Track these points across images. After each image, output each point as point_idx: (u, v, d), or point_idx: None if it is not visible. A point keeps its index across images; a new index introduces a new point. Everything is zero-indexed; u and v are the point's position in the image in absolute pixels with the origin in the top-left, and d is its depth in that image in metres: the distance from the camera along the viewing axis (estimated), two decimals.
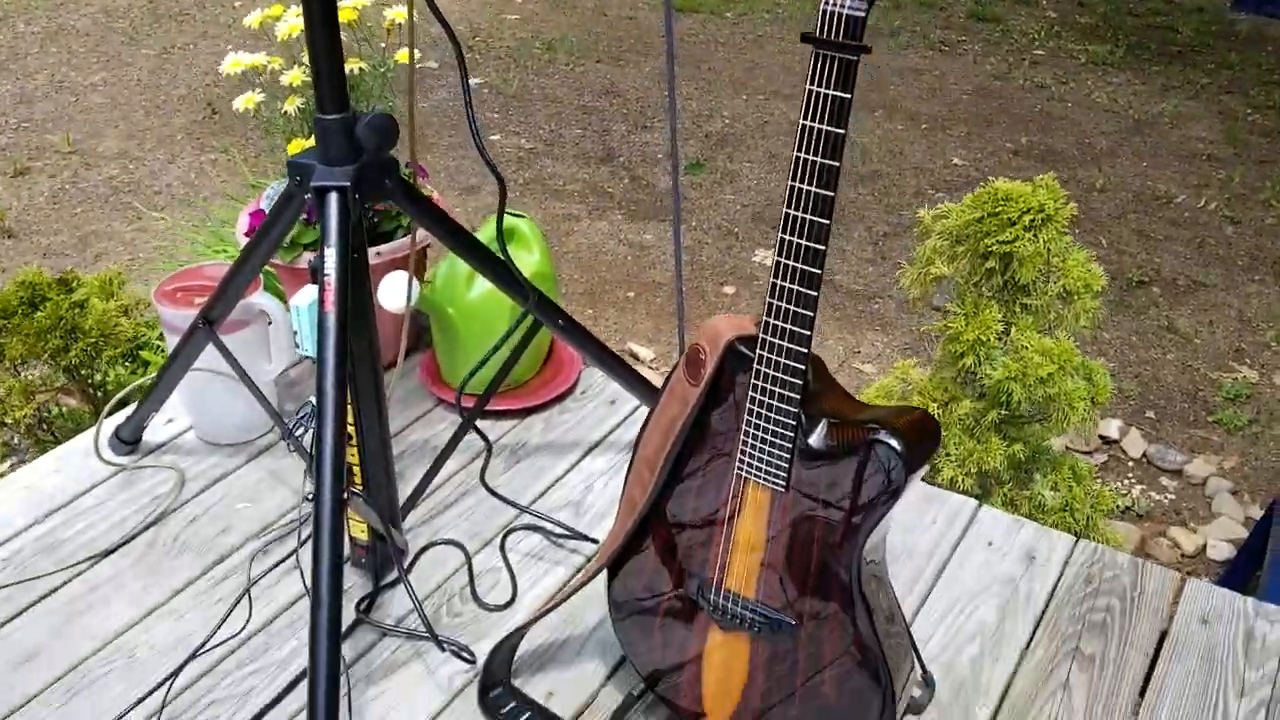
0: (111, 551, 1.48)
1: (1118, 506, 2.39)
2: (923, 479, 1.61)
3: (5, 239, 3.38)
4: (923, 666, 1.29)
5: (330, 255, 1.16)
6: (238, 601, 1.37)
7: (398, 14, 1.73)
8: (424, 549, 1.49)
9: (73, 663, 1.32)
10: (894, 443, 0.97)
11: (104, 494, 1.58)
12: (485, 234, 1.73)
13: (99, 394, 2.01)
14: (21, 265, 3.26)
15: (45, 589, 1.43)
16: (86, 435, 1.65)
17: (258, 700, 1.27)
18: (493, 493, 1.46)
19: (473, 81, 4.49)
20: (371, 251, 1.67)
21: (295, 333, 1.29)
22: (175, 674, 1.28)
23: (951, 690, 1.30)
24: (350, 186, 1.17)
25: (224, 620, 1.34)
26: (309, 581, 1.11)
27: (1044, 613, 1.40)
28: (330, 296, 1.16)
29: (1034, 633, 1.38)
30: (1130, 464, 2.48)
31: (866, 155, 3.94)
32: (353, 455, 1.34)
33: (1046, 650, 1.35)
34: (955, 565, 1.48)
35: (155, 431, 1.71)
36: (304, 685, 1.10)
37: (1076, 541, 1.52)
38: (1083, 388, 1.71)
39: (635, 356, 2.83)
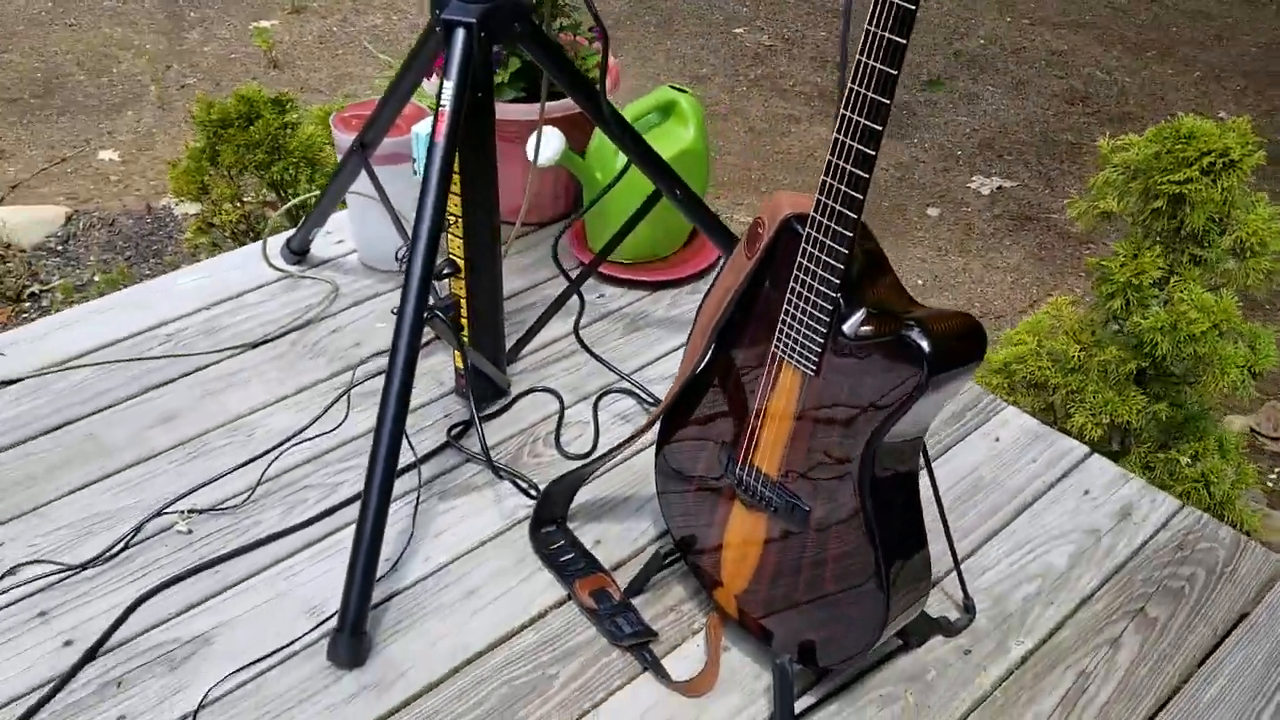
0: (258, 344, 1.64)
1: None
2: (1041, 419, 1.55)
3: (271, 69, 3.67)
4: (965, 592, 1.27)
5: (448, 88, 1.22)
6: (335, 400, 1.50)
7: None
8: (524, 392, 1.57)
9: (199, 431, 1.48)
10: (923, 342, 0.95)
11: (266, 294, 1.75)
12: (637, 109, 1.75)
13: (301, 211, 2.19)
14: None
15: (195, 365, 1.60)
16: (262, 242, 1.82)
17: (342, 493, 1.39)
18: (586, 349, 1.51)
19: None
20: (536, 106, 1.73)
21: (414, 160, 1.37)
22: (275, 449, 1.42)
23: (993, 621, 1.27)
24: (476, 24, 1.22)
25: (321, 415, 1.48)
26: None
27: (1120, 569, 1.34)
28: (442, 127, 1.23)
29: (1101, 586, 1.32)
30: None
31: (1124, 95, 3.66)
32: (461, 289, 1.42)
33: (1108, 605, 1.29)
34: (1041, 506, 1.42)
35: (325, 248, 1.85)
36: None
37: (1182, 507, 1.43)
38: (1241, 353, 1.58)
39: None
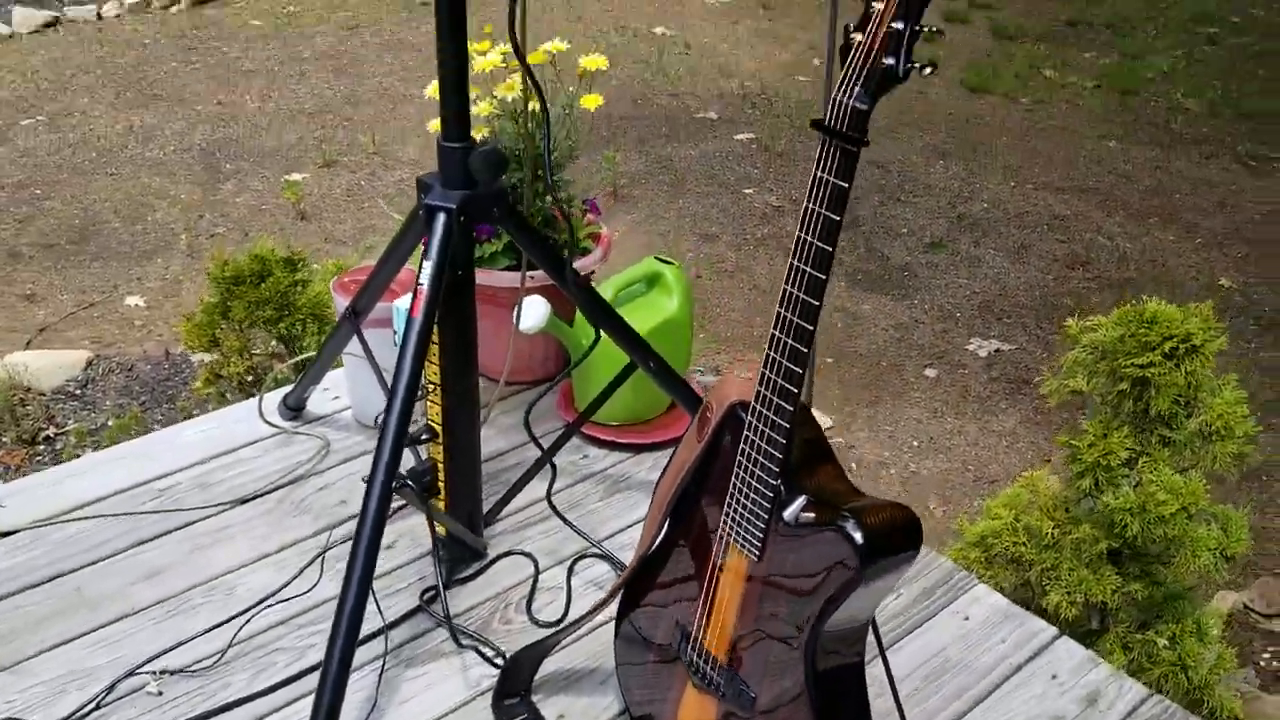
0: (248, 500, 1.69)
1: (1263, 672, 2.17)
2: (1018, 596, 1.56)
3: (299, 219, 3.82)
4: None
5: (427, 268, 1.30)
6: (309, 564, 1.53)
7: (589, 61, 1.86)
8: (500, 555, 1.60)
9: (182, 588, 1.52)
10: (857, 534, 0.98)
11: (260, 450, 1.80)
12: (619, 281, 1.83)
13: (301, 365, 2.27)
14: (305, 244, 3.69)
15: (186, 520, 1.64)
16: (258, 398, 1.88)
17: (311, 657, 1.41)
18: (559, 515, 1.54)
19: (743, 136, 4.63)
20: (523, 275, 1.80)
21: (395, 332, 1.43)
22: (248, 612, 1.45)
23: None
24: (456, 210, 1.30)
25: (295, 577, 1.51)
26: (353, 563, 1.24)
27: None
28: (419, 305, 1.29)
29: None
30: None
31: (1125, 260, 3.74)
32: (439, 453, 1.47)
33: None
34: (1007, 689, 1.42)
35: (321, 404, 1.92)
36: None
37: (1150, 695, 1.42)
38: (1214, 535, 1.59)
39: None
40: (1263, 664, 2.14)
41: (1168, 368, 1.54)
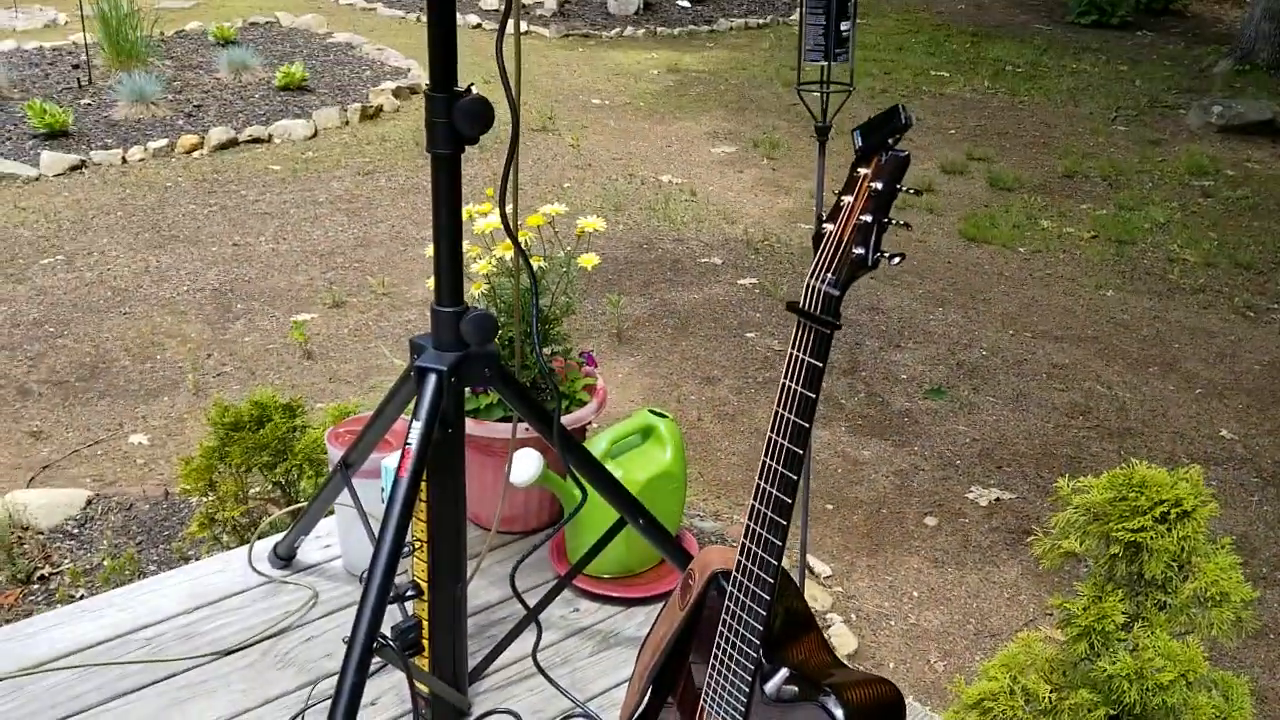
0: (232, 652, 1.67)
1: None
2: None
3: (305, 359, 3.86)
4: None
5: (416, 428, 1.31)
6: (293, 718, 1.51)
7: (588, 224, 1.92)
8: (484, 715, 1.57)
9: None
10: (838, 711, 0.97)
11: (248, 599, 1.79)
12: (614, 434, 1.84)
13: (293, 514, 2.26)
14: (310, 384, 3.72)
15: (169, 672, 1.63)
16: (249, 546, 1.88)
17: None
18: (544, 675, 1.52)
19: (745, 281, 4.70)
20: (521, 427, 1.82)
21: (383, 489, 1.44)
22: None
23: None
24: (447, 371, 1.33)
25: None
26: None
27: None
28: (407, 463, 1.30)
29: None
30: None
31: (1124, 411, 3.74)
32: (424, 610, 1.46)
33: None
34: None
35: (312, 553, 1.91)
36: None
37: None
38: (1215, 703, 1.55)
39: (811, 570, 2.81)
40: None
41: (1160, 532, 1.53)
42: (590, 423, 2.00)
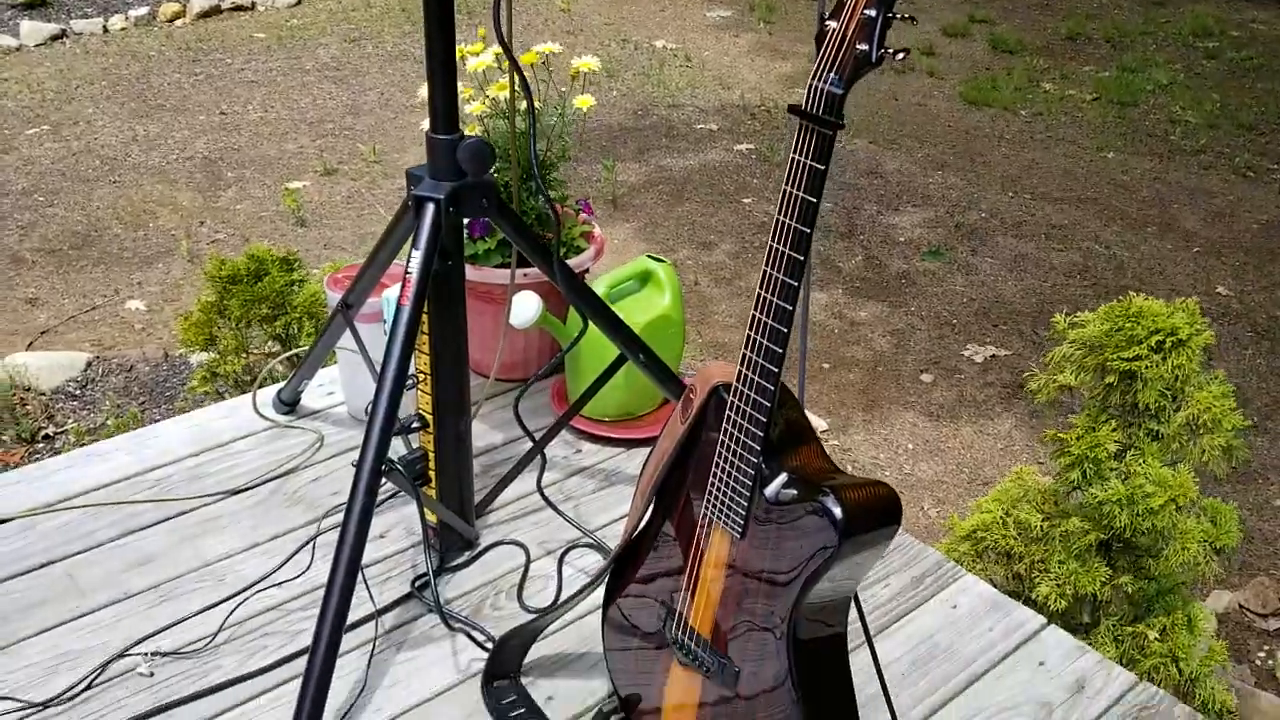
0: (239, 491, 1.70)
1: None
2: (1009, 589, 1.57)
3: (299, 226, 3.85)
4: None
5: (415, 257, 1.31)
6: (299, 549, 1.54)
7: (583, 64, 1.88)
8: (491, 545, 1.60)
9: (173, 575, 1.53)
10: (836, 509, 0.99)
11: (254, 443, 1.81)
12: (616, 277, 1.84)
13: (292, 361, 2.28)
14: (304, 251, 3.71)
15: (177, 510, 1.66)
16: (253, 393, 1.90)
17: (301, 641, 1.42)
18: (549, 504, 1.55)
19: (743, 147, 4.65)
20: (520, 273, 1.82)
21: (385, 322, 1.45)
22: (239, 596, 1.46)
23: None
24: (444, 200, 1.32)
25: (285, 563, 1.52)
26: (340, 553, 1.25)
27: None
28: (408, 292, 1.31)
29: None
30: None
31: (1121, 269, 3.75)
32: (429, 442, 1.48)
33: None
34: (993, 676, 1.42)
35: (316, 399, 1.93)
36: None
37: (1138, 682, 1.42)
38: (1203, 528, 1.59)
39: None
40: (1258, 662, 2.14)
41: (1154, 361, 1.55)
42: (587, 270, 2.00)
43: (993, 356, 3.19)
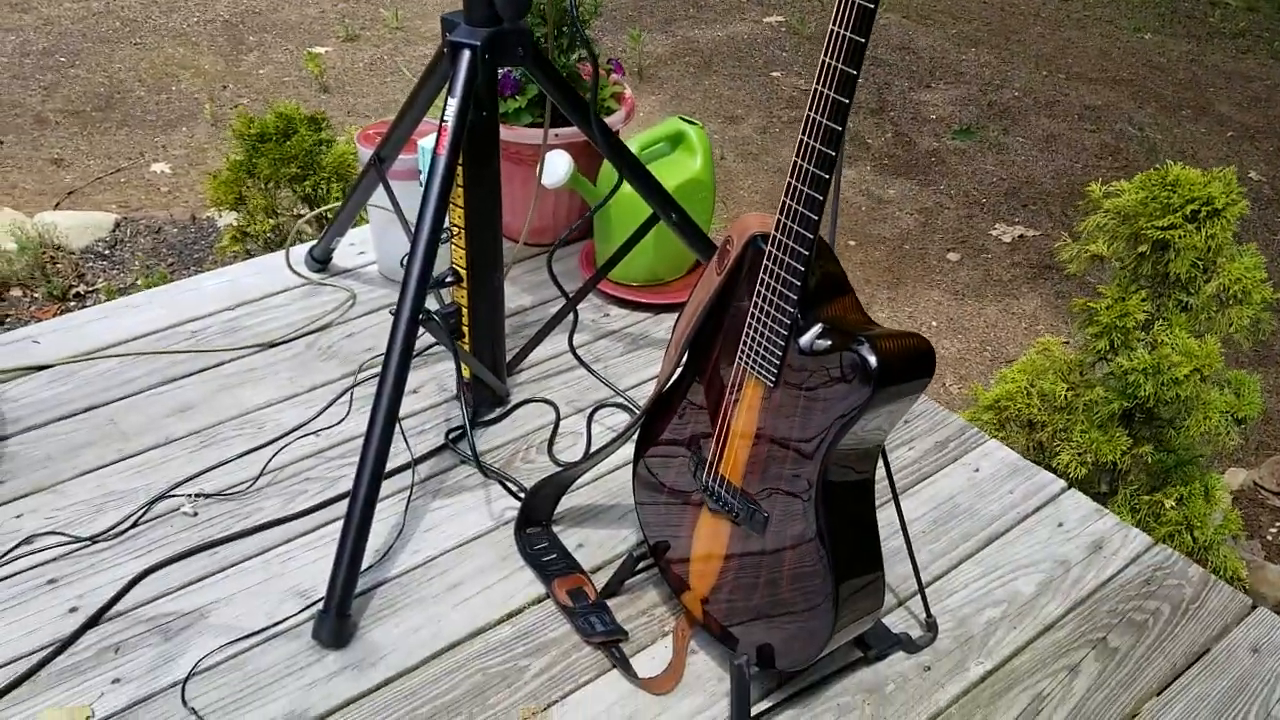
0: (275, 344, 1.72)
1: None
2: (1031, 458, 1.59)
3: (322, 93, 3.80)
4: (928, 611, 1.31)
5: (451, 104, 1.30)
6: (338, 397, 1.58)
7: None
8: (522, 402, 1.63)
9: (213, 422, 1.57)
10: (871, 358, 1.00)
11: (287, 299, 1.83)
12: (647, 139, 1.83)
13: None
14: (327, 116, 3.67)
15: (215, 361, 1.69)
16: (285, 250, 1.91)
17: (340, 487, 1.46)
18: (581, 361, 1.57)
19: (772, 19, 4.55)
20: (551, 133, 1.81)
21: (420, 172, 1.45)
22: (279, 441, 1.50)
23: (955, 641, 1.31)
24: (480, 46, 1.30)
25: (324, 410, 1.55)
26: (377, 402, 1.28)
27: (1086, 600, 1.37)
28: (445, 141, 1.30)
29: (1065, 614, 1.35)
30: None
31: (1154, 152, 3.69)
32: (463, 297, 1.50)
33: (1070, 633, 1.33)
34: (1014, 535, 1.46)
35: (347, 258, 1.94)
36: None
37: (1154, 544, 1.46)
38: (1226, 399, 1.61)
39: None
40: (1270, 537, 2.18)
41: (1188, 230, 1.54)
42: (618, 131, 1.98)
43: (1021, 236, 3.17)
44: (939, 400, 2.61)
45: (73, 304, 2.61)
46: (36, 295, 2.59)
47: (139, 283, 2.64)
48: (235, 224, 2.31)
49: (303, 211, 2.34)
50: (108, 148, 3.39)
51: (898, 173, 3.50)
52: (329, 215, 2.21)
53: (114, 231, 2.83)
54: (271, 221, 2.27)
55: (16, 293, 2.58)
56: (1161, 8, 4.91)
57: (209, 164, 3.32)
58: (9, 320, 2.51)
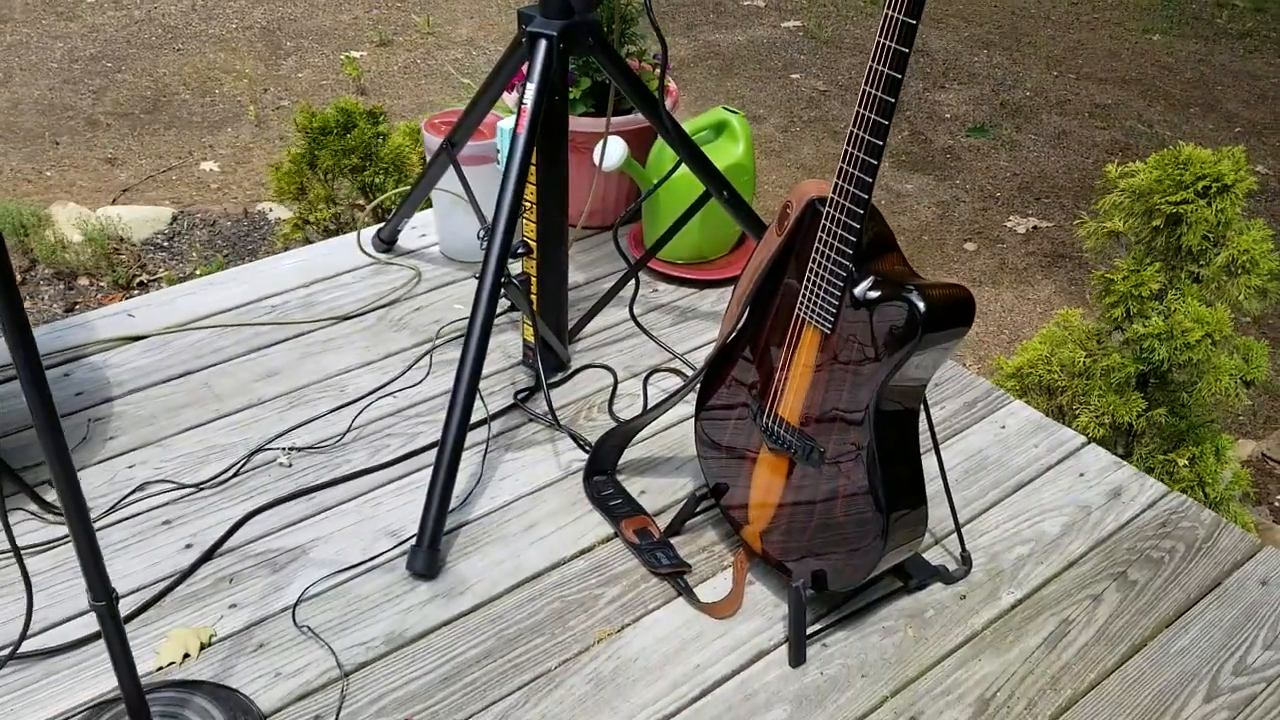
0: (350, 317, 1.86)
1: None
2: (1052, 416, 1.72)
3: (359, 95, 3.95)
4: (963, 547, 1.44)
5: (530, 89, 1.44)
6: (419, 359, 1.71)
7: None
8: (583, 367, 1.77)
9: (299, 385, 1.70)
10: (919, 302, 1.13)
11: (357, 277, 1.97)
12: (692, 126, 1.96)
13: (384, 211, 2.42)
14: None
15: (295, 332, 1.82)
16: (356, 233, 2.05)
17: (420, 441, 1.60)
18: (640, 326, 1.71)
19: (790, 23, 4.69)
20: (603, 120, 1.94)
21: (498, 150, 1.58)
22: (364, 399, 1.64)
23: (988, 574, 1.44)
24: (556, 36, 1.44)
25: (406, 371, 1.69)
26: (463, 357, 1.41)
27: (1107, 540, 1.50)
28: (524, 121, 1.44)
29: (1088, 552, 1.48)
30: None
31: (1162, 147, 3.81)
32: (532, 268, 1.63)
33: (1093, 568, 1.45)
34: (1039, 484, 1.59)
35: (411, 241, 2.08)
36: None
37: (1169, 491, 1.58)
38: (1235, 363, 1.73)
39: None
40: (1278, 504, 2.30)
41: (1199, 205, 1.67)
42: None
43: (1034, 228, 3.30)
44: None
45: (136, 292, 2.75)
46: (102, 284, 2.73)
47: (198, 272, 2.78)
48: (297, 213, 2.45)
49: (360, 201, 2.48)
50: (158, 147, 3.54)
51: (915, 168, 3.63)
52: (385, 204, 2.35)
53: (172, 224, 2.98)
54: (330, 210, 2.40)
55: (84, 281, 2.73)
56: (1169, 9, 5.05)
57: (255, 163, 3.47)
58: (78, 307, 2.65)
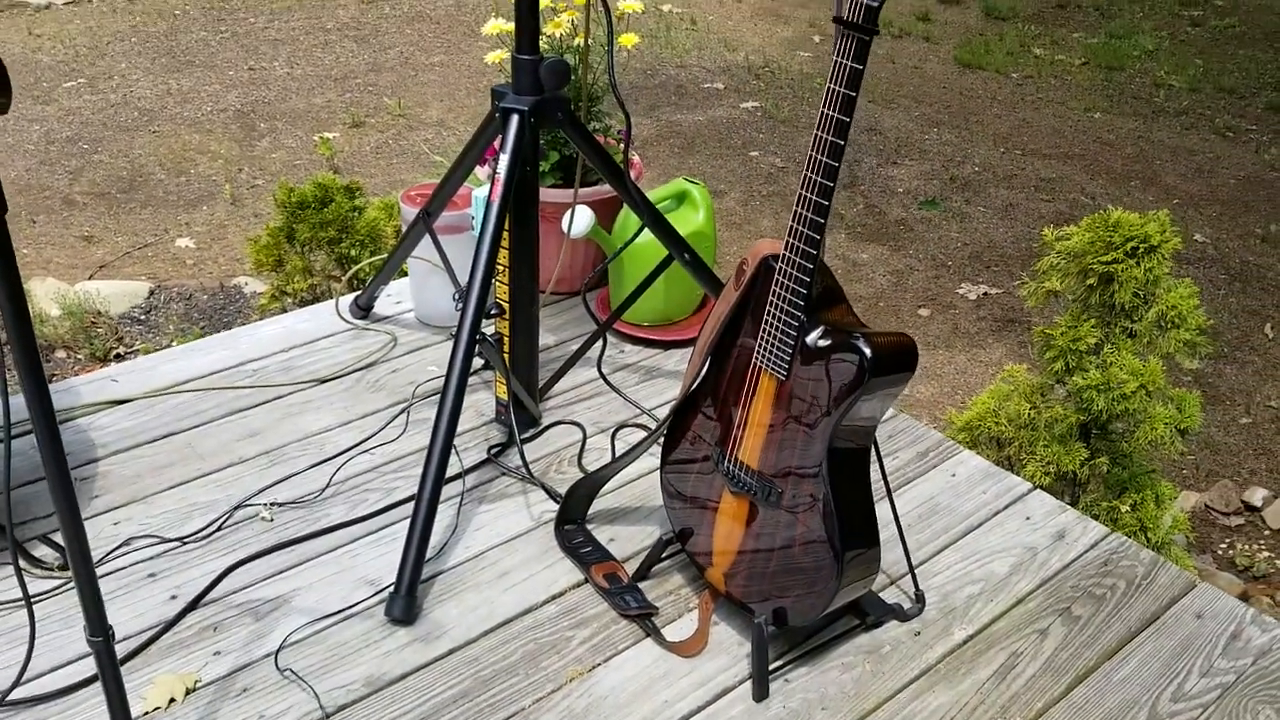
0: (328, 380, 1.93)
1: (1240, 565, 2.43)
2: (1002, 466, 1.81)
3: (333, 174, 4.05)
4: (916, 587, 1.52)
5: (504, 159, 1.54)
6: (396, 415, 1.78)
7: (627, 5, 2.11)
8: (553, 423, 1.85)
9: (279, 444, 1.77)
10: (866, 349, 1.23)
11: (335, 342, 2.05)
12: (655, 195, 2.07)
13: (359, 281, 2.51)
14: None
15: (275, 394, 1.89)
16: (335, 300, 2.13)
17: (398, 495, 1.66)
18: (608, 383, 1.79)
19: (748, 104, 4.87)
20: (577, 183, 2.04)
21: (473, 218, 1.68)
22: (343, 455, 1.70)
23: (940, 611, 1.51)
24: (528, 111, 1.55)
25: (383, 428, 1.76)
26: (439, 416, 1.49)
27: (1052, 578, 1.58)
28: (497, 190, 1.54)
29: (1034, 589, 1.56)
30: (1266, 533, 2.49)
31: None
32: (505, 328, 1.72)
33: (1039, 604, 1.53)
34: (987, 527, 1.67)
35: (386, 308, 2.16)
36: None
37: (1111, 533, 1.67)
38: (1169, 413, 1.84)
39: None
40: (1220, 552, 2.40)
41: (1129, 264, 1.79)
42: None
43: (985, 294, 3.44)
44: None
45: (113, 364, 2.80)
46: (80, 356, 2.78)
47: (173, 344, 2.85)
48: (274, 284, 2.52)
49: (335, 273, 2.56)
50: (134, 225, 3.62)
51: (870, 239, 3.77)
52: (360, 274, 2.44)
53: (149, 298, 3.04)
54: (307, 281, 2.49)
55: (61, 354, 2.78)
56: (1110, 89, 5.29)
57: (230, 239, 3.55)
58: (55, 379, 2.70)
